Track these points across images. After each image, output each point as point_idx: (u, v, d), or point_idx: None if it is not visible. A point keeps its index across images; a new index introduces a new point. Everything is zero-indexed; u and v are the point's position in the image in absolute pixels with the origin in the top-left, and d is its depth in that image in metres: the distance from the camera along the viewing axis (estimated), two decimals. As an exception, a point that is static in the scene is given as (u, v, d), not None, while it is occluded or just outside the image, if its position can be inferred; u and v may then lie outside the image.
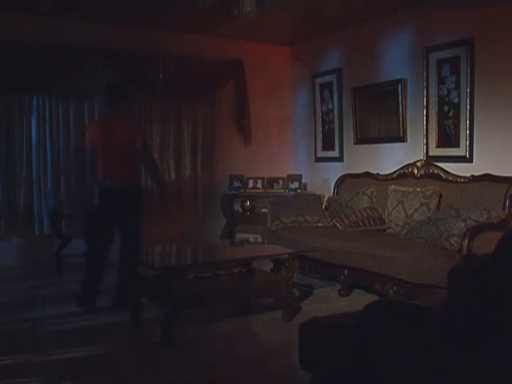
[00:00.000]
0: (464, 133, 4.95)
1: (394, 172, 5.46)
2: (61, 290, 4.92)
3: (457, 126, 5.03)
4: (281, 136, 7.33)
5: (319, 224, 5.37)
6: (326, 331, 2.27)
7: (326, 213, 5.57)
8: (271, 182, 6.76)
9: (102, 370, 3.09)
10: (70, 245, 5.67)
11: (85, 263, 4.42)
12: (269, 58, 7.10)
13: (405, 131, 5.60)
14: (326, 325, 2.36)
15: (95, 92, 6.07)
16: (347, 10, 5.59)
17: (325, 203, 5.73)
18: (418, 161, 5.25)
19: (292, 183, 6.65)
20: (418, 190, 4.88)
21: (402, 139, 5.64)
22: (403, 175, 5.33)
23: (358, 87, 6.11)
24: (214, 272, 4.07)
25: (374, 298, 4.19)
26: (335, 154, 6.60)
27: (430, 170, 5.06)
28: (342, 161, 6.51)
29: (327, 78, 6.63)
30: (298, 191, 6.49)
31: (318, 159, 6.92)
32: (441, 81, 5.14)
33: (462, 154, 4.98)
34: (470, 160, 4.92)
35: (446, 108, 5.14)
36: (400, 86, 5.56)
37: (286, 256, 3.98)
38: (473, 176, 4.66)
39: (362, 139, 6.17)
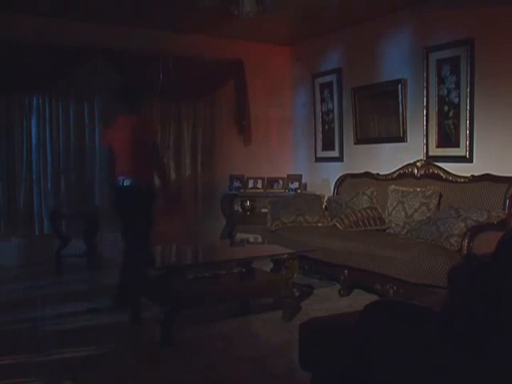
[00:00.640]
0: (464, 133, 4.95)
1: (394, 172, 5.46)
2: (61, 290, 4.92)
3: (457, 126, 5.03)
4: (281, 136, 7.33)
5: (319, 224, 5.37)
6: (326, 331, 2.27)
7: (326, 213, 5.57)
8: (271, 181, 6.76)
9: (102, 370, 3.09)
10: (69, 245, 5.67)
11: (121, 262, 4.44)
12: (269, 58, 7.10)
13: (405, 131, 5.60)
14: (326, 325, 2.36)
15: (95, 92, 6.08)
16: (347, 10, 5.59)
17: (325, 203, 5.73)
18: (418, 161, 5.24)
19: (292, 183, 6.65)
20: (418, 189, 4.88)
21: (402, 139, 5.64)
22: (403, 175, 5.33)
23: (358, 87, 6.11)
24: (214, 272, 4.07)
25: (374, 297, 4.19)
26: (335, 153, 6.60)
27: (430, 170, 5.06)
28: (342, 161, 6.51)
29: (327, 78, 6.63)
30: (298, 191, 6.49)
31: (318, 159, 6.92)
32: (441, 81, 5.14)
33: (462, 154, 4.98)
34: (470, 160, 4.92)
35: (446, 108, 5.14)
36: (400, 86, 5.56)
37: (286, 256, 3.98)
38: (473, 176, 4.66)
39: (362, 139, 6.17)
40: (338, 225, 5.11)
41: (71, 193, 6.08)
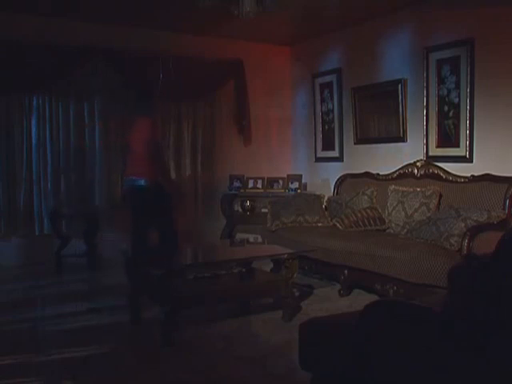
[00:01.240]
0: (464, 133, 4.95)
1: (394, 172, 5.46)
2: (61, 290, 4.92)
3: (457, 126, 5.03)
4: (281, 136, 7.33)
5: (319, 224, 5.37)
6: (326, 331, 2.27)
7: (326, 213, 5.57)
8: (271, 181, 6.76)
9: (102, 370, 3.09)
10: (69, 245, 5.67)
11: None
12: (269, 58, 7.10)
13: (405, 131, 5.60)
14: (326, 325, 2.36)
15: (95, 92, 6.08)
16: (347, 10, 5.59)
17: (325, 203, 5.73)
18: (418, 161, 5.25)
19: (292, 183, 6.65)
20: (418, 189, 4.88)
21: (402, 139, 5.64)
22: (403, 175, 5.33)
23: (358, 87, 6.11)
24: (214, 272, 4.06)
25: (374, 298, 4.19)
26: (335, 153, 6.60)
27: (430, 170, 5.05)
28: (342, 161, 6.51)
29: (327, 78, 6.63)
30: (298, 191, 6.49)
31: (318, 159, 6.92)
32: (441, 81, 5.14)
33: (462, 154, 4.98)
34: (470, 160, 4.92)
35: (446, 108, 5.14)
36: (400, 86, 5.56)
37: (285, 256, 3.98)
38: (473, 176, 4.66)
39: (362, 139, 6.17)
40: (338, 225, 5.11)
41: (71, 193, 6.08)
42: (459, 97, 4.98)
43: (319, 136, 6.85)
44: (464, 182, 4.70)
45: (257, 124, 7.06)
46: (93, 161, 6.15)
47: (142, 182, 4.60)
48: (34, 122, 5.85)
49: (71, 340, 3.57)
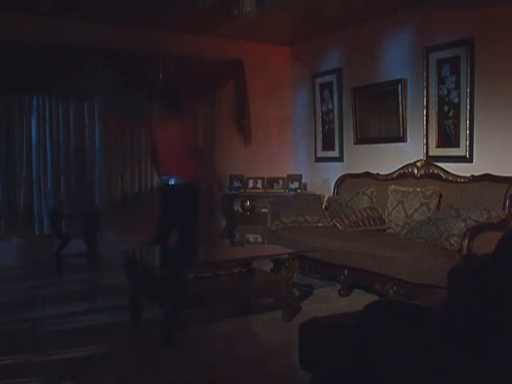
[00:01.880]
0: (464, 133, 4.95)
1: (394, 172, 5.46)
2: (61, 290, 4.92)
3: (457, 126, 5.03)
4: (281, 136, 7.33)
5: (319, 224, 5.37)
6: (326, 331, 2.27)
7: (326, 213, 5.57)
8: (271, 181, 6.76)
9: (102, 370, 3.08)
10: (69, 245, 5.67)
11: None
12: (269, 58, 7.10)
13: (405, 131, 5.60)
14: (326, 325, 2.36)
15: (95, 92, 6.08)
16: (347, 10, 5.59)
17: (325, 203, 5.73)
18: (417, 161, 5.25)
19: (292, 183, 6.65)
20: (418, 189, 4.88)
21: (402, 139, 5.64)
22: (403, 175, 5.33)
23: (358, 87, 6.11)
24: (214, 272, 4.06)
25: (374, 298, 4.19)
26: (335, 153, 6.60)
27: (430, 170, 5.06)
28: (342, 161, 6.51)
29: (327, 78, 6.63)
30: (298, 191, 6.49)
31: (318, 159, 6.92)
32: (441, 81, 5.14)
33: (462, 154, 4.98)
34: (470, 160, 4.92)
35: (446, 108, 5.14)
36: (400, 85, 5.56)
37: (285, 256, 3.98)
38: (473, 176, 4.66)
39: (362, 139, 6.17)
40: (338, 225, 5.10)
41: (71, 193, 6.08)
42: (459, 97, 4.98)
43: (319, 136, 6.85)
44: (464, 182, 4.70)
45: (257, 124, 7.06)
46: (93, 161, 6.16)
47: (179, 181, 4.87)
48: (34, 121, 5.85)
49: (71, 340, 3.57)
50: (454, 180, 4.80)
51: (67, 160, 6.04)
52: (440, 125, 5.20)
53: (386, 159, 5.77)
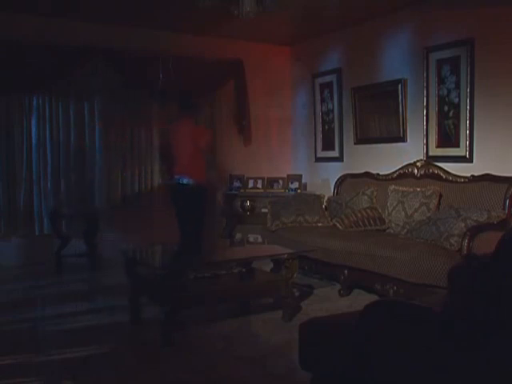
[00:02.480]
0: (464, 133, 4.95)
1: (394, 172, 5.46)
2: (61, 290, 4.92)
3: (457, 126, 5.03)
4: (281, 136, 7.33)
5: (319, 224, 5.37)
6: (326, 331, 2.27)
7: (326, 213, 5.57)
8: (271, 181, 6.76)
9: (102, 370, 3.08)
10: (69, 245, 5.67)
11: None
12: (269, 58, 7.10)
13: (405, 131, 5.60)
14: (326, 325, 2.36)
15: (95, 92, 6.08)
16: (347, 10, 5.59)
17: (325, 203, 5.73)
18: (417, 161, 5.25)
19: (292, 183, 6.65)
20: (418, 189, 4.88)
21: (402, 139, 5.64)
22: (403, 175, 5.33)
23: (358, 87, 6.11)
24: (214, 272, 4.06)
25: (374, 298, 4.19)
26: (335, 154, 6.60)
27: (430, 170, 5.05)
28: (342, 161, 6.51)
29: (327, 78, 6.63)
30: (298, 191, 6.49)
31: (318, 159, 6.92)
32: (441, 81, 5.14)
33: (462, 154, 4.98)
34: (470, 160, 4.92)
35: (446, 108, 5.14)
36: (400, 85, 5.56)
37: (286, 256, 3.98)
38: (473, 176, 4.66)
39: (362, 139, 6.17)
40: (338, 225, 5.10)
41: (71, 193, 6.08)
42: (459, 97, 4.98)
43: (319, 136, 6.85)
44: (464, 182, 4.70)
45: (257, 124, 7.06)
46: (93, 161, 6.16)
47: (191, 181, 5.16)
48: (34, 121, 5.85)
49: (71, 340, 3.57)
50: (454, 180, 4.80)
51: (67, 160, 6.04)
52: (440, 125, 5.20)
53: (386, 159, 5.77)
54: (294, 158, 7.36)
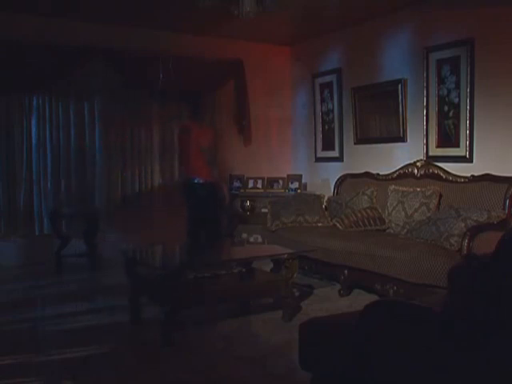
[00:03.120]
0: (464, 133, 4.95)
1: (394, 172, 5.46)
2: (61, 290, 4.92)
3: (457, 126, 5.03)
4: (281, 136, 7.33)
5: (319, 224, 5.37)
6: (326, 331, 2.27)
7: (326, 213, 5.57)
8: (271, 181, 6.76)
9: (102, 370, 3.08)
10: (69, 245, 5.67)
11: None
12: (269, 58, 7.10)
13: (405, 131, 5.60)
14: (326, 325, 2.36)
15: (95, 92, 6.08)
16: (347, 10, 5.59)
17: (325, 203, 5.73)
18: (417, 161, 5.24)
19: (292, 183, 6.65)
20: (418, 189, 4.88)
21: (402, 139, 5.64)
22: (403, 175, 5.33)
23: (358, 87, 6.11)
24: (214, 272, 4.06)
25: (374, 298, 4.19)
26: (335, 153, 6.60)
27: (430, 170, 5.05)
28: (342, 161, 6.51)
29: (327, 78, 6.62)
30: (298, 191, 6.49)
31: (318, 159, 6.92)
32: (441, 81, 5.14)
33: (462, 154, 4.98)
34: (470, 160, 4.92)
35: (446, 108, 5.14)
36: (400, 85, 5.56)
37: (285, 256, 3.98)
38: (473, 176, 4.66)
39: (362, 139, 6.17)
40: (338, 225, 5.10)
41: (71, 193, 6.08)
42: (459, 97, 4.98)
43: (319, 136, 6.85)
44: (464, 182, 4.70)
45: (257, 124, 7.06)
46: (93, 161, 6.15)
47: (201, 181, 5.36)
48: (34, 122, 5.85)
49: (71, 340, 3.57)
50: (454, 180, 4.80)
51: (67, 160, 6.03)
52: (440, 125, 5.20)
53: (386, 159, 5.77)
54: (294, 158, 7.36)
